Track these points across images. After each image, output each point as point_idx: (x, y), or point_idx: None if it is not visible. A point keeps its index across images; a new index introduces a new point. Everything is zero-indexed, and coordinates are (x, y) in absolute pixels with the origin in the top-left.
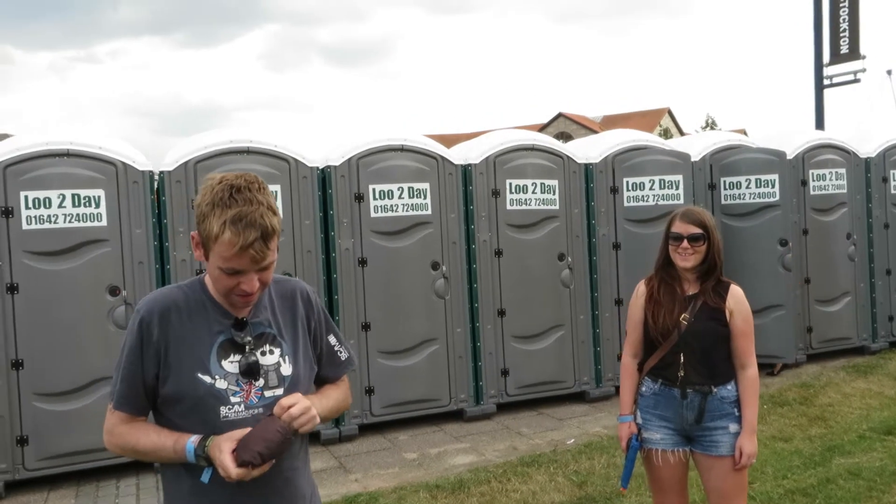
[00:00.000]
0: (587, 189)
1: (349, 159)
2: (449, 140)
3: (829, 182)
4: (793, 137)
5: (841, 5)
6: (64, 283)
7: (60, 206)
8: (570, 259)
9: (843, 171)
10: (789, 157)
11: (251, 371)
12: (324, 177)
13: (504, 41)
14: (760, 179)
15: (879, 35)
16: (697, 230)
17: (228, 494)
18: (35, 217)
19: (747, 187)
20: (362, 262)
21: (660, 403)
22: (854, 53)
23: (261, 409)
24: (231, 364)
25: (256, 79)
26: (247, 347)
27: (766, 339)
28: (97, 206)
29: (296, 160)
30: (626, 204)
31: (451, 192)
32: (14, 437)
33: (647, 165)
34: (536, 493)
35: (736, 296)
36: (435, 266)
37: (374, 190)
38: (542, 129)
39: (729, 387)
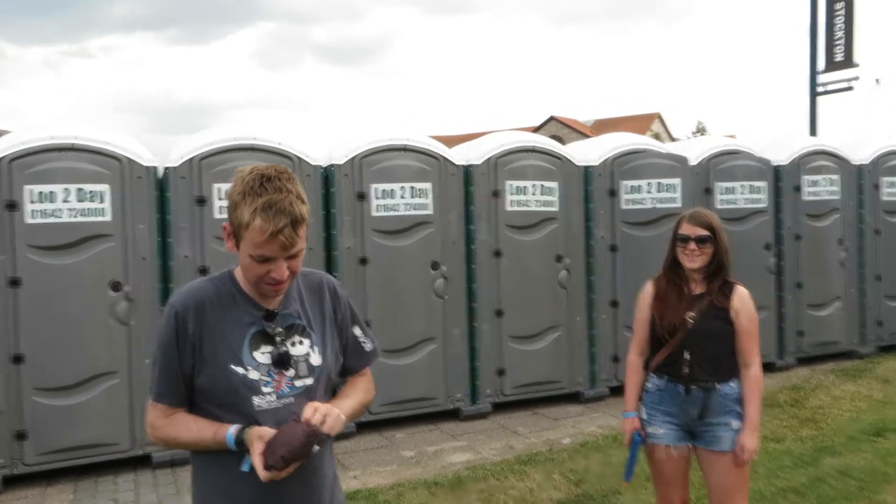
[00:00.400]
0: (586, 191)
1: (352, 158)
2: (441, 141)
3: (823, 188)
4: (787, 144)
5: (836, 14)
6: (67, 277)
7: (65, 200)
8: (567, 260)
9: (836, 177)
10: (784, 163)
11: (282, 361)
12: (326, 175)
13: (499, 43)
14: (752, 186)
15: (869, 44)
16: (704, 232)
17: (257, 483)
18: (39, 211)
19: (741, 193)
20: (363, 261)
21: (664, 399)
22: (848, 61)
23: (292, 399)
24: (263, 355)
25: (249, 77)
26: (277, 338)
27: None
28: (102, 200)
29: (300, 158)
30: (623, 207)
31: (452, 192)
32: (13, 432)
33: (645, 168)
34: (534, 490)
35: (741, 296)
36: (435, 266)
37: (376, 189)
38: (534, 132)
39: (732, 384)
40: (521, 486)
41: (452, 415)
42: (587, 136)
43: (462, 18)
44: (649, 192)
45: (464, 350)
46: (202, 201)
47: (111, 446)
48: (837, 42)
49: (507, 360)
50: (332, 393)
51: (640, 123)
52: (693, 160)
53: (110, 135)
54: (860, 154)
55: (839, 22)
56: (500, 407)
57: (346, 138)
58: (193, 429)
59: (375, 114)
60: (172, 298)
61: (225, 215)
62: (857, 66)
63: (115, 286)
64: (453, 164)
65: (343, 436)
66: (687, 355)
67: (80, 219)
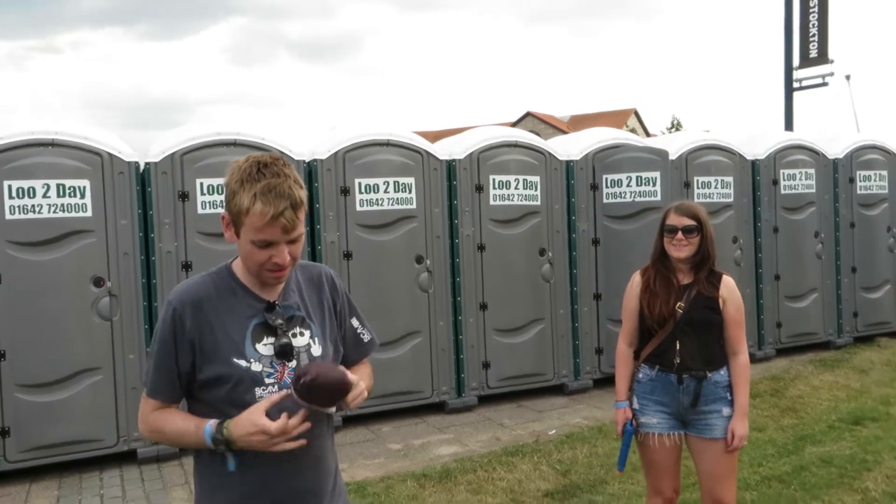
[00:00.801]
0: (568, 185)
1: (335, 153)
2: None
3: (799, 182)
4: (764, 138)
5: (811, 10)
6: (48, 273)
7: (45, 196)
8: (550, 254)
9: (812, 171)
10: (761, 157)
11: (285, 352)
12: (310, 170)
13: (471, 40)
14: (722, 181)
15: (838, 41)
16: (691, 222)
17: (262, 476)
18: (19, 207)
19: (715, 187)
20: (347, 256)
21: (656, 389)
22: (823, 57)
23: None
24: (265, 347)
25: (221, 73)
26: (279, 330)
27: None
28: (82, 196)
29: (283, 153)
30: (605, 201)
31: (435, 186)
32: None
33: (625, 163)
34: (522, 481)
35: (728, 285)
36: (419, 260)
37: (359, 184)
38: (511, 127)
39: (722, 372)
40: (509, 478)
41: (438, 408)
42: (563, 132)
43: (433, 15)
44: (629, 185)
45: (449, 343)
46: (185, 196)
47: (96, 442)
48: (812, 38)
49: (491, 353)
50: None
51: (615, 119)
52: (673, 154)
53: (91, 130)
54: (835, 148)
55: (814, 18)
56: (486, 400)
57: (329, 133)
58: (179, 423)
59: (351, 110)
60: (170, 295)
61: (208, 210)
62: (831, 61)
63: (98, 282)
64: (436, 158)
65: None
66: (677, 345)
67: (60, 214)
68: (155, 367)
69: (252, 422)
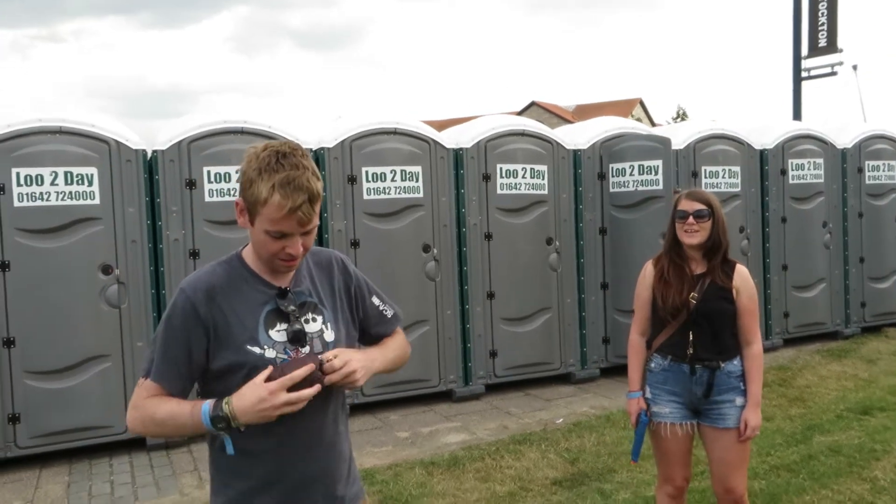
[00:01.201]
0: (575, 175)
1: (342, 141)
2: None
3: (808, 172)
4: (773, 128)
5: None
6: (56, 261)
7: (53, 183)
8: (557, 243)
9: (820, 161)
10: (769, 147)
11: (298, 338)
12: (317, 159)
13: (473, 29)
14: (730, 170)
15: (846, 31)
16: (703, 207)
17: (277, 463)
18: (27, 194)
19: (723, 177)
20: (355, 244)
21: (669, 379)
22: (832, 47)
23: None
24: (278, 333)
25: (224, 62)
26: (292, 316)
27: None
28: (90, 184)
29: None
30: (611, 190)
31: (442, 175)
32: (6, 415)
33: (627, 151)
34: (530, 469)
35: (742, 275)
36: (426, 249)
37: (367, 172)
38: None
39: (735, 362)
40: (517, 466)
41: (445, 396)
42: (569, 122)
43: (436, 4)
44: (632, 174)
45: (456, 332)
46: (192, 184)
47: (105, 429)
48: (821, 27)
49: (498, 341)
50: None
51: (621, 109)
52: (680, 144)
53: (98, 117)
54: (844, 138)
55: (823, 7)
56: (493, 388)
57: (335, 122)
58: (172, 405)
59: (355, 99)
60: (183, 283)
61: (216, 198)
62: (840, 51)
63: (106, 269)
64: (444, 147)
65: None
66: (691, 335)
67: (68, 202)
68: (163, 356)
69: (257, 384)
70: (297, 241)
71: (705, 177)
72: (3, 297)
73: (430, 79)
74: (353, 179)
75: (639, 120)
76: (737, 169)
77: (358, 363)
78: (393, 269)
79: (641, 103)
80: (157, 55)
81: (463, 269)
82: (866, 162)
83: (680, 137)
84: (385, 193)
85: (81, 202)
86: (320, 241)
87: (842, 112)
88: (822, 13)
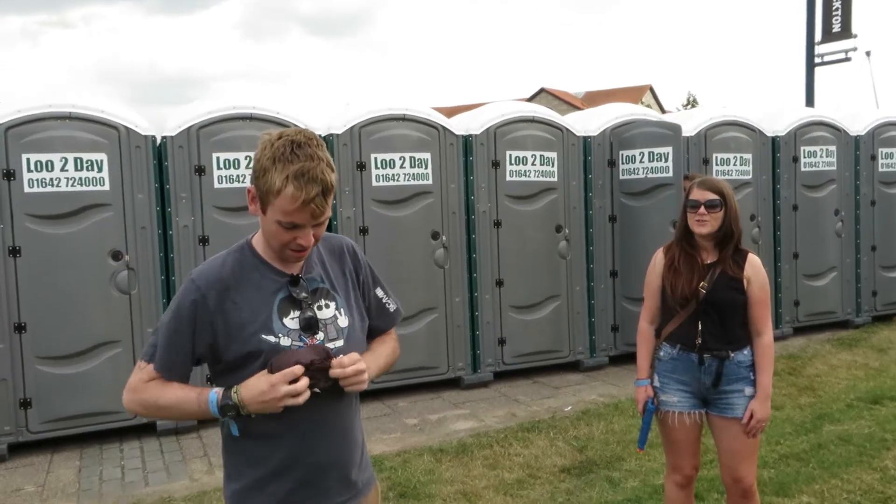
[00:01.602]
0: (585, 162)
1: (351, 128)
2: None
3: (820, 159)
4: (785, 115)
5: None
6: (66, 247)
7: (63, 169)
8: (567, 231)
9: (833, 148)
10: (781, 134)
11: (311, 326)
12: (326, 145)
13: (485, 14)
14: (741, 158)
15: (859, 16)
16: (714, 197)
17: (291, 451)
18: (37, 180)
19: (734, 164)
20: (363, 231)
21: (678, 368)
22: (846, 32)
23: None
24: (292, 321)
25: (234, 48)
26: (304, 303)
27: None
28: (100, 170)
29: (298, 127)
30: (622, 177)
31: (451, 162)
32: (17, 400)
33: (637, 138)
34: (539, 456)
35: (753, 264)
36: (435, 236)
37: (375, 159)
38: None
39: (745, 352)
40: (525, 453)
41: (454, 383)
42: (578, 108)
43: None
44: (642, 161)
45: (464, 320)
46: (201, 171)
47: (116, 414)
48: (835, 12)
49: (507, 329)
50: None
51: (631, 95)
52: (691, 131)
53: (107, 103)
54: (857, 125)
55: None
56: (501, 376)
57: (344, 108)
58: (178, 391)
59: (364, 85)
60: (193, 275)
61: (225, 185)
62: (854, 36)
63: (116, 255)
64: (453, 133)
65: None
66: (700, 325)
67: (78, 188)
68: (168, 345)
69: (261, 376)
70: (309, 233)
71: (716, 164)
72: (14, 283)
73: (440, 65)
74: (362, 166)
75: (648, 107)
76: (748, 156)
77: (367, 369)
78: (402, 256)
79: (651, 90)
80: (166, 41)
81: (472, 257)
82: (879, 149)
83: (691, 124)
84: (394, 180)
85: (91, 188)
86: (329, 229)
87: (855, 99)
88: None
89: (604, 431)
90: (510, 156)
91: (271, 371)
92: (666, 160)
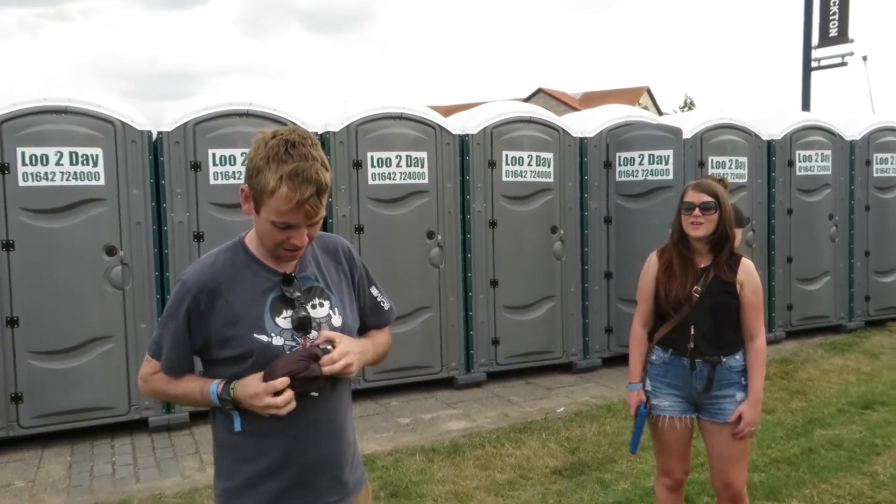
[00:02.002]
0: (581, 163)
1: (348, 126)
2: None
3: (815, 163)
4: (781, 119)
5: None
6: (60, 241)
7: (58, 163)
8: (562, 232)
9: (828, 152)
10: (777, 137)
11: (303, 325)
12: (322, 143)
13: (484, 13)
14: (737, 161)
15: (856, 21)
16: (709, 199)
17: (283, 450)
18: (32, 174)
19: (729, 167)
20: (359, 229)
21: (669, 372)
22: (843, 36)
23: None
24: (285, 320)
25: (233, 43)
26: (297, 302)
27: None
28: (95, 164)
29: (295, 125)
30: (618, 179)
31: (448, 161)
32: (8, 395)
33: (638, 140)
34: (530, 457)
35: (747, 269)
36: (430, 235)
37: (372, 157)
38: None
39: (737, 357)
40: (517, 454)
41: (447, 383)
42: (575, 109)
43: None
44: (641, 164)
45: (458, 319)
46: (197, 166)
47: (108, 410)
48: (833, 17)
49: (501, 329)
50: None
51: (628, 97)
52: (688, 133)
53: (103, 97)
54: (853, 130)
55: None
56: (494, 376)
57: (341, 106)
58: (184, 383)
59: (362, 83)
60: (185, 274)
61: (221, 181)
62: (851, 41)
63: (110, 251)
64: (449, 133)
65: None
66: (692, 329)
67: (73, 182)
68: (171, 345)
69: (250, 381)
70: (303, 233)
71: (712, 167)
72: (7, 277)
73: (437, 64)
74: (358, 164)
75: (645, 108)
76: (744, 160)
77: (354, 356)
78: (397, 255)
79: (649, 92)
80: (165, 36)
81: (467, 257)
82: (874, 154)
83: (688, 127)
84: (390, 179)
85: (86, 183)
86: (325, 227)
87: (851, 103)
88: (834, 2)
89: (596, 433)
90: (506, 156)
91: (265, 377)
92: (666, 163)
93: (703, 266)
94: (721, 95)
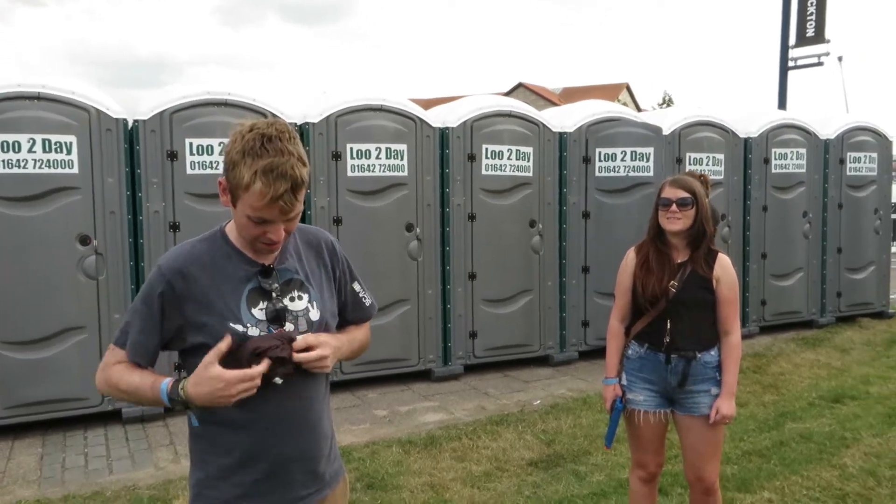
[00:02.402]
0: (560, 157)
1: (327, 117)
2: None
3: (790, 161)
4: (758, 116)
5: None
6: (33, 230)
7: (30, 150)
8: (540, 226)
9: (803, 150)
10: (754, 135)
11: (278, 318)
12: (302, 134)
13: (464, 7)
14: (714, 158)
15: (833, 20)
16: (686, 195)
17: (258, 442)
18: (3, 161)
19: (707, 164)
20: (337, 221)
21: (645, 367)
22: (819, 37)
23: None
24: (261, 311)
25: (210, 33)
26: (273, 294)
27: None
28: (69, 152)
29: (273, 115)
30: (597, 174)
31: (427, 154)
32: None
33: (619, 137)
34: (506, 449)
35: (723, 264)
36: (409, 228)
37: (351, 149)
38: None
39: (712, 352)
40: (493, 446)
41: (424, 376)
42: (555, 104)
43: None
44: (623, 160)
45: (436, 312)
46: (173, 156)
47: (81, 401)
48: (810, 17)
49: (478, 322)
50: None
51: (607, 93)
52: (666, 130)
53: (78, 84)
54: (827, 129)
55: None
56: (472, 369)
57: (321, 97)
58: (136, 378)
59: (341, 75)
60: (161, 260)
61: (197, 171)
62: (828, 41)
63: (84, 240)
64: (430, 126)
65: None
66: (668, 324)
67: (46, 170)
68: (138, 329)
69: (213, 376)
70: (279, 228)
71: (690, 163)
72: None
73: (418, 56)
74: (337, 156)
75: (625, 104)
76: (721, 156)
77: (329, 349)
78: (375, 247)
79: (628, 88)
80: (141, 23)
81: (445, 250)
82: (848, 153)
83: (666, 123)
84: (369, 171)
85: (59, 171)
86: (303, 219)
87: (826, 103)
88: (812, 3)
89: (571, 426)
90: (486, 149)
91: (237, 351)
92: (647, 160)
93: (680, 261)
94: (700, 93)
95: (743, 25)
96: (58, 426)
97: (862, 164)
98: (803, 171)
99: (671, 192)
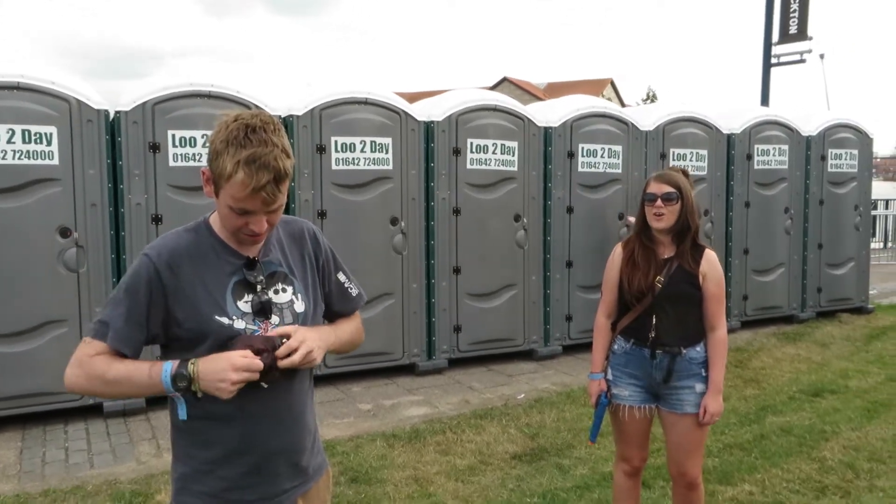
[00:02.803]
0: (545, 152)
1: (312, 110)
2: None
3: (773, 157)
4: (741, 113)
5: None
6: (12, 222)
7: (9, 141)
8: (525, 220)
9: (786, 147)
10: (737, 132)
11: (264, 310)
12: (286, 126)
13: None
14: (697, 153)
15: (815, 18)
16: (671, 190)
17: (242, 435)
18: None
19: (690, 160)
20: (322, 215)
21: (630, 362)
22: (802, 34)
23: None
24: (246, 304)
25: (194, 23)
26: (258, 287)
27: None
28: (49, 143)
29: (258, 107)
30: (580, 169)
31: (412, 148)
32: None
33: (600, 133)
34: (490, 443)
35: (710, 260)
36: (394, 221)
37: (336, 142)
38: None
39: (698, 348)
40: (477, 440)
41: (408, 369)
42: (539, 99)
43: None
44: (602, 156)
45: (421, 306)
46: (156, 148)
47: (61, 395)
48: (793, 14)
49: (463, 316)
50: None
51: (592, 88)
52: (650, 126)
53: (58, 74)
54: (809, 125)
55: None
56: (456, 363)
57: (306, 89)
58: (128, 364)
59: (326, 67)
60: (146, 249)
61: (180, 163)
62: (810, 38)
63: (64, 232)
64: (415, 119)
65: None
66: (654, 319)
67: (25, 161)
68: (124, 319)
69: (226, 356)
70: (262, 219)
71: (673, 159)
72: None
73: (403, 50)
74: (321, 149)
75: (609, 100)
76: (704, 152)
77: (314, 342)
78: (360, 241)
79: (612, 83)
80: (123, 13)
81: (430, 244)
82: (829, 150)
83: (650, 119)
84: (354, 164)
85: (39, 162)
86: (287, 212)
87: (808, 99)
88: (795, 0)
89: (555, 419)
90: (471, 143)
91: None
92: (618, 157)
93: (666, 257)
94: (684, 89)
95: (727, 22)
96: (37, 420)
97: (843, 161)
98: (785, 167)
99: (656, 188)
